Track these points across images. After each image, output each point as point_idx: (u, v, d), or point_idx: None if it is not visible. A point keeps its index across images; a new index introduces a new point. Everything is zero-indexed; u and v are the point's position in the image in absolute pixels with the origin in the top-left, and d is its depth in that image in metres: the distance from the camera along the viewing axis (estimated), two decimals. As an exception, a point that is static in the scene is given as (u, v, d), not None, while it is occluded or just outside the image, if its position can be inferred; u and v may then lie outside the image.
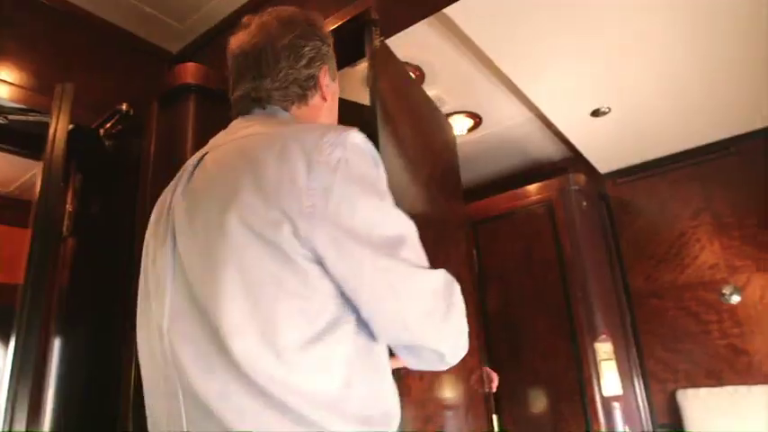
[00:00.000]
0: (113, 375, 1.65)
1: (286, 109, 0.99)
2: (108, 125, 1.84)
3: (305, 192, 0.72)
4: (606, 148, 3.06)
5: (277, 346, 0.71)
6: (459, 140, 3.28)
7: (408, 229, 0.81)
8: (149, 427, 0.85)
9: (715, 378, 2.80)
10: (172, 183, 0.93)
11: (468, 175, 3.63)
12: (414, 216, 0.84)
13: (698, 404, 2.74)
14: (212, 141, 0.96)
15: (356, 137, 0.80)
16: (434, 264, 0.84)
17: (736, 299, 2.83)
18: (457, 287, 0.87)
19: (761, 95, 2.65)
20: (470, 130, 3.15)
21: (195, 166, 0.88)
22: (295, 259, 0.72)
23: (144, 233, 0.95)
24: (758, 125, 2.93)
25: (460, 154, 3.43)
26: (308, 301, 0.73)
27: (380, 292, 0.75)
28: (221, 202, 0.76)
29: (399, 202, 0.83)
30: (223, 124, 1.00)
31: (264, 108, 0.98)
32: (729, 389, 2.69)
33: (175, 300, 0.79)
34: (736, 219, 2.92)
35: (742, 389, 2.66)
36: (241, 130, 0.91)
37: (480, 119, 3.05)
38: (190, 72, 1.73)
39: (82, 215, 1.94)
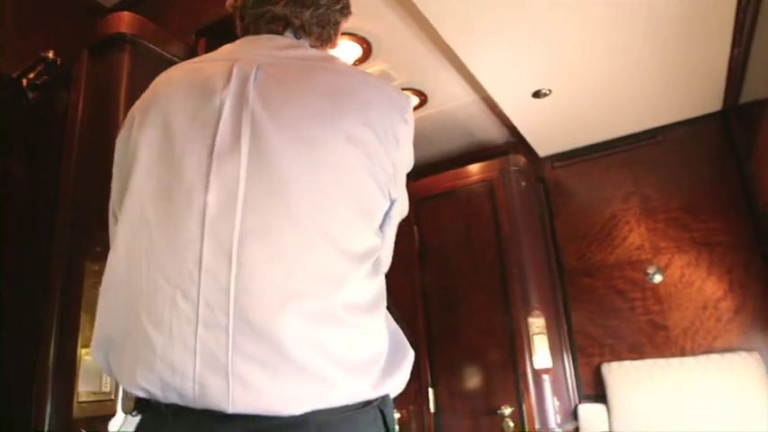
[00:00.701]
0: (33, 342, 1.56)
1: (315, 47, 0.99)
2: (32, 75, 1.71)
3: (399, 143, 0.88)
4: (546, 132, 3.15)
5: (354, 259, 0.82)
6: (404, 118, 3.30)
7: None
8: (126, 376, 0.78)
9: (637, 352, 2.97)
10: (196, 82, 0.87)
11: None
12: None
13: (620, 376, 2.90)
14: (239, 52, 0.92)
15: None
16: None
17: (658, 278, 3.00)
18: None
19: (685, 89, 2.80)
20: (416, 108, 3.16)
21: (248, 74, 0.85)
22: (382, 190, 0.85)
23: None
24: (682, 116, 3.11)
25: (405, 132, 3.45)
26: (374, 227, 0.87)
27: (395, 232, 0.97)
28: (322, 117, 0.82)
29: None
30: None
31: (298, 38, 0.97)
32: (649, 361, 2.87)
33: (254, 203, 0.77)
34: (662, 203, 3.09)
35: (660, 361, 2.84)
36: (291, 50, 0.93)
37: (426, 97, 3.06)
38: (125, 21, 1.63)
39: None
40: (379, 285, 0.88)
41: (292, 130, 0.80)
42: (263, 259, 0.75)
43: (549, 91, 2.62)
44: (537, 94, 2.63)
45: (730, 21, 2.20)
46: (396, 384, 0.85)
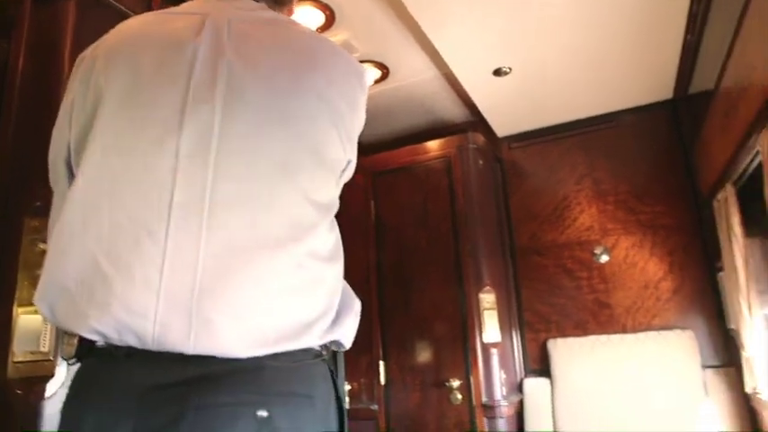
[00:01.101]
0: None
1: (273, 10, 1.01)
2: (-34, 21, 1.60)
3: (357, 108, 0.94)
4: (505, 112, 3.19)
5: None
6: (365, 91, 3.27)
7: None
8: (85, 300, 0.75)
9: (581, 329, 3.09)
10: (165, 33, 0.88)
11: (371, 128, 3.65)
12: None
13: (564, 352, 3.01)
14: (207, 8, 0.92)
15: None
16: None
17: (605, 258, 3.11)
18: None
19: (639, 76, 2.89)
20: (378, 81, 3.13)
21: (221, 27, 0.88)
22: (344, 148, 0.90)
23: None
24: (636, 103, 3.20)
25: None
26: (336, 181, 0.91)
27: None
28: (295, 73, 0.86)
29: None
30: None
31: (258, 1, 0.99)
32: (592, 338, 2.98)
33: (230, 133, 0.80)
34: (612, 186, 3.19)
35: (602, 338, 2.96)
36: (258, 11, 0.96)
37: (388, 70, 3.04)
38: (73, -35, 1.54)
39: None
40: (336, 239, 0.91)
41: (267, 80, 0.84)
42: (235, 202, 0.76)
43: (510, 69, 2.64)
44: (498, 72, 2.65)
45: (685, 8, 2.27)
46: (345, 331, 0.88)
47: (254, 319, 0.75)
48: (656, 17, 2.34)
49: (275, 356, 0.76)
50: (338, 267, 0.89)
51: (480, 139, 3.17)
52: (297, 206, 0.81)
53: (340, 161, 0.90)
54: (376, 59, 2.89)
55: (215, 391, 0.72)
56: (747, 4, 1.77)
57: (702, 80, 2.63)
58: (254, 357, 0.74)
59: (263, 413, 0.73)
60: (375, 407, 3.04)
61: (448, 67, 2.76)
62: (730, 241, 2.29)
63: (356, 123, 0.94)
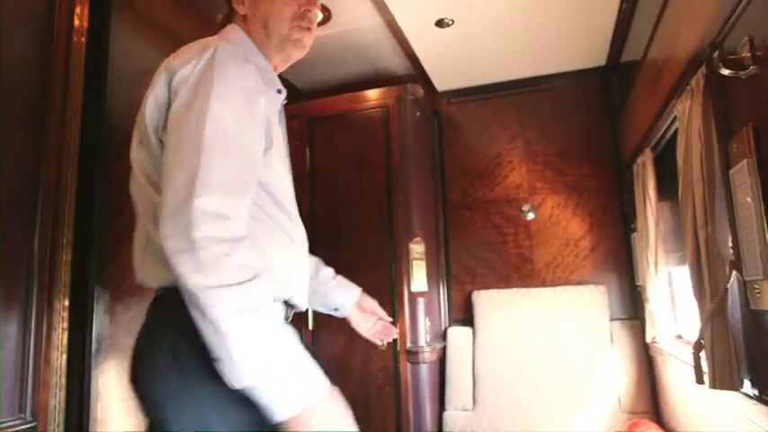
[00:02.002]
0: None
1: None
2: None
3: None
4: (445, 66, 3.18)
5: None
6: (305, 33, 3.15)
7: None
8: None
9: (504, 281, 3.23)
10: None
11: (310, 73, 3.55)
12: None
13: (487, 303, 3.14)
14: None
15: None
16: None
17: (531, 216, 3.24)
18: None
19: (576, 40, 2.94)
20: (319, 24, 3.03)
21: None
22: None
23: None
24: (571, 67, 3.28)
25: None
26: None
27: None
28: None
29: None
30: None
31: None
32: (513, 290, 3.13)
33: None
34: (542, 147, 3.30)
35: (522, 290, 3.11)
36: None
37: (330, 13, 2.95)
38: None
39: None
40: None
41: None
42: None
43: (452, 21, 2.62)
44: (440, 24, 2.63)
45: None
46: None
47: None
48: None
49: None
50: None
51: (419, 91, 3.16)
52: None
53: None
54: (318, 0, 2.79)
55: None
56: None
57: (634, 49, 2.72)
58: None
59: None
60: (302, 352, 3.07)
61: (391, 15, 2.71)
62: (645, 204, 2.44)
63: None
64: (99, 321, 1.75)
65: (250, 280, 0.86)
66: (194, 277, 0.83)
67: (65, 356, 1.65)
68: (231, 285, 0.84)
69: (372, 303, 1.61)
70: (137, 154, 1.06)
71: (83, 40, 1.76)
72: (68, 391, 1.65)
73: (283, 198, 1.09)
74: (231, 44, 1.07)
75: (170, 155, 0.93)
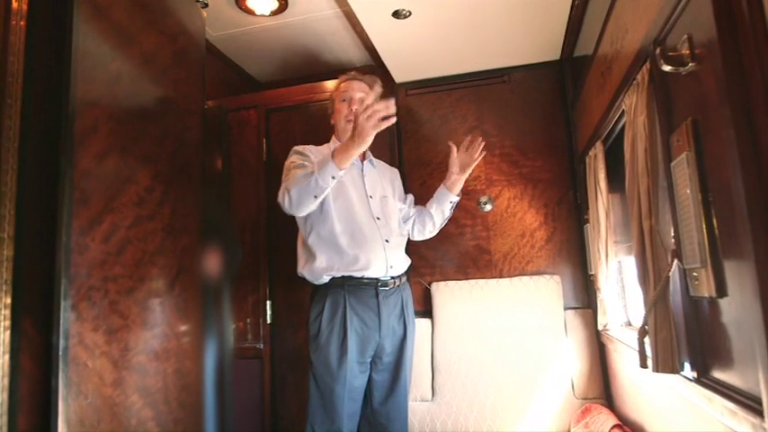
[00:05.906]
0: None
1: None
2: None
3: None
4: (403, 57, 3.18)
5: None
6: (258, 23, 3.10)
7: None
8: None
9: (462, 273, 3.27)
10: None
11: (267, 62, 3.49)
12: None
13: (445, 294, 3.18)
14: None
15: None
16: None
17: (488, 207, 3.29)
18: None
19: (532, 34, 2.98)
20: (275, 13, 2.99)
21: None
22: None
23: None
24: (527, 60, 3.33)
25: (259, 38, 3.26)
26: None
27: None
28: None
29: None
30: None
31: None
32: (471, 281, 3.17)
33: None
34: (499, 139, 3.34)
35: (480, 282, 3.16)
36: None
37: (286, 3, 2.91)
38: None
39: None
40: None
41: None
42: None
43: (409, 12, 2.62)
44: (397, 14, 2.62)
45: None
46: None
47: None
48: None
49: None
50: None
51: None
52: None
53: None
54: (273, -12, 2.75)
55: None
56: (626, -31, 1.87)
57: (587, 43, 2.78)
58: None
59: None
60: (261, 345, 3.05)
61: (348, 5, 2.69)
62: (596, 195, 2.50)
63: None
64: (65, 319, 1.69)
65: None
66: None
67: (7, 356, 1.59)
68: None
69: (454, 171, 2.70)
70: None
71: (22, 23, 1.68)
72: (11, 392, 1.59)
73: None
74: None
75: None
